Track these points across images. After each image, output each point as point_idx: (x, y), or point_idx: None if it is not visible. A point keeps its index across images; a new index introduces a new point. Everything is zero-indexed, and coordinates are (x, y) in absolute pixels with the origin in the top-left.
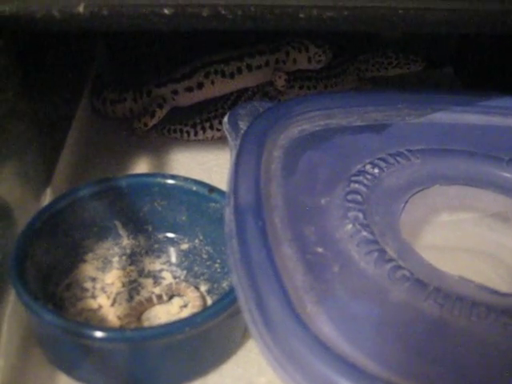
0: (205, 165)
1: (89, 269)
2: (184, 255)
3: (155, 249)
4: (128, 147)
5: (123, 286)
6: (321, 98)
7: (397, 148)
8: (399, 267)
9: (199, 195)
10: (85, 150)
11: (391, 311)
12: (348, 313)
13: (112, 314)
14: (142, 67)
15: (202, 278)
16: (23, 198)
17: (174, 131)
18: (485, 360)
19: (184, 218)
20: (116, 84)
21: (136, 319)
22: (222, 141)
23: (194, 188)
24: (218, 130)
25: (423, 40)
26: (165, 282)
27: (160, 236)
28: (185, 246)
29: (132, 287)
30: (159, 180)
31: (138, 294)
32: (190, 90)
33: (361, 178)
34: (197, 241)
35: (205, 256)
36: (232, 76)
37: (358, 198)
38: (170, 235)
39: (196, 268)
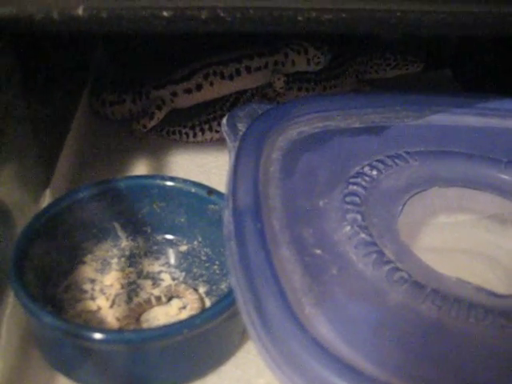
0: (204, 167)
1: (88, 270)
2: (183, 257)
3: (154, 250)
4: (127, 149)
5: (122, 287)
6: (319, 100)
7: (395, 150)
8: (397, 269)
9: (198, 197)
10: (84, 152)
11: (389, 313)
12: (346, 314)
13: (111, 315)
14: (140, 69)
15: (200, 279)
16: (22, 199)
17: (173, 133)
18: (482, 362)
19: (183, 219)
20: (115, 86)
21: (135, 321)
22: (220, 142)
23: (193, 190)
24: (217, 131)
25: (422, 42)
26: (164, 284)
27: (159, 238)
28: (184, 248)
29: (131, 289)
30: (158, 182)
31: (136, 295)
32: (188, 91)
33: (359, 179)
34: (195, 242)
35: (203, 258)
36: (231, 78)
37: (357, 199)
38: (169, 237)
39: (195, 270)
